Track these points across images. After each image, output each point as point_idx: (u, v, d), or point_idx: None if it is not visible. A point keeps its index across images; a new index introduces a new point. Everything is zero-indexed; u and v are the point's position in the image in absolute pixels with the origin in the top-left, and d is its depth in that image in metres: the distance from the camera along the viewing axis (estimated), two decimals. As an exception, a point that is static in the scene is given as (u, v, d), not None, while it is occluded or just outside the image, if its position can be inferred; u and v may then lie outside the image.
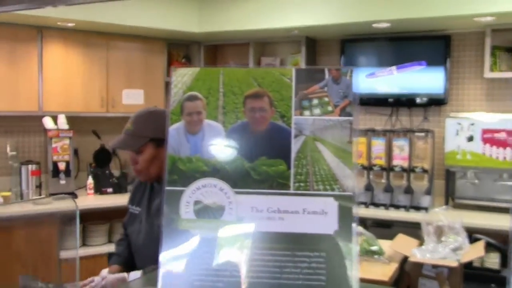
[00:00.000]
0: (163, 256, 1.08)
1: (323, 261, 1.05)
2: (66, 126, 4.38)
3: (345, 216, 1.06)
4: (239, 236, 1.09)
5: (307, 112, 1.11)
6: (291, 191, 1.09)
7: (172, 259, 1.08)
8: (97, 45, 4.55)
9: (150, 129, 2.01)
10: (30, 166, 4.27)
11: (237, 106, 1.12)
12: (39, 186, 4.30)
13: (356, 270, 1.04)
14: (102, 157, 4.64)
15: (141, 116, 2.06)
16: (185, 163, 1.12)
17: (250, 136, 1.11)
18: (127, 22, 4.25)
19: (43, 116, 4.36)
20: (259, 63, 4.90)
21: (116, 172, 4.72)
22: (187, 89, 1.13)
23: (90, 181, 4.49)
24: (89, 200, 4.39)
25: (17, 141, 4.50)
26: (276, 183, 1.09)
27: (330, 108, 1.10)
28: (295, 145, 1.09)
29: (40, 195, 4.30)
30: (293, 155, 1.09)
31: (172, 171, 1.12)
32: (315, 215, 1.07)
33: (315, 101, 1.10)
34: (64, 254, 4.15)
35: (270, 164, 1.09)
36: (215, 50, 5.26)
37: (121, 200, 3.92)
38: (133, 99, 4.68)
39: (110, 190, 4.54)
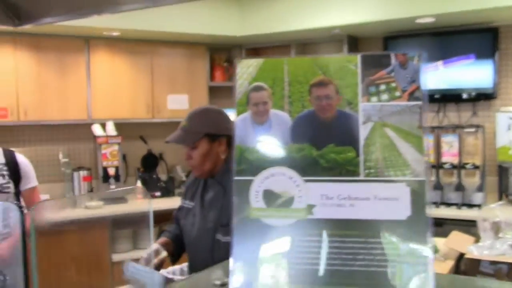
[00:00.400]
0: (234, 246, 1.10)
1: (396, 247, 1.04)
2: (114, 133, 4.49)
3: (417, 201, 1.05)
4: (310, 224, 1.09)
5: (374, 98, 1.10)
6: (361, 177, 1.08)
7: (244, 248, 1.09)
8: (142, 52, 4.66)
9: (205, 125, 2.09)
10: (81, 172, 4.41)
11: (303, 95, 1.13)
12: (90, 191, 4.43)
13: (430, 254, 1.02)
14: (150, 162, 4.73)
15: (196, 113, 2.15)
16: (253, 153, 1.13)
17: (317, 124, 1.11)
18: (170, 29, 4.33)
19: (92, 124, 4.49)
20: (301, 64, 4.89)
21: (163, 176, 4.81)
22: (252, 79, 1.15)
23: (139, 185, 4.59)
24: (138, 204, 4.48)
25: (69, 148, 4.65)
26: (345, 170, 1.08)
27: (398, 94, 1.09)
28: (363, 132, 1.09)
29: (91, 200, 4.42)
30: (361, 141, 1.09)
31: (241, 161, 1.13)
32: (386, 201, 1.06)
33: (382, 87, 1.09)
34: (116, 257, 4.25)
35: (339, 151, 1.09)
36: (256, 53, 5.29)
37: (169, 203, 3.98)
38: (177, 104, 4.76)
39: (158, 193, 4.62)
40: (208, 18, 4.50)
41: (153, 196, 4.62)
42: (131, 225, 4.39)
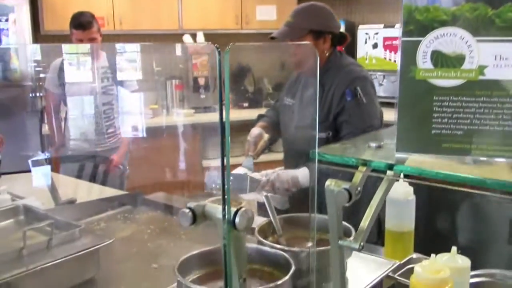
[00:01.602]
0: (399, 108, 1.10)
1: None
2: (204, 43, 4.55)
3: None
4: (480, 85, 1.08)
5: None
6: (541, 37, 1.04)
7: (409, 109, 1.10)
8: (232, -39, 4.58)
9: (310, 21, 2.09)
10: (173, 81, 4.53)
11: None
12: (182, 100, 4.58)
13: None
14: (238, 73, 4.78)
15: (302, 9, 2.14)
16: (422, 13, 1.11)
17: (494, -18, 1.07)
18: None
19: (183, 34, 4.55)
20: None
21: (250, 88, 4.86)
22: None
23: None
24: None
25: (161, 57, 4.77)
26: (523, 30, 1.04)
27: None
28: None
29: (183, 108, 4.59)
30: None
31: (408, 22, 1.12)
32: None
33: None
34: (206, 163, 4.45)
35: (517, 10, 1.04)
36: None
37: (256, 114, 4.05)
38: (266, 15, 4.71)
39: (246, 104, 4.70)
40: None
41: (241, 107, 4.71)
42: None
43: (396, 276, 1.35)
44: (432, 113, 1.10)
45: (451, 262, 1.12)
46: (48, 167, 2.08)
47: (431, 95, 1.11)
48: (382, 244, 1.59)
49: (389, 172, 0.74)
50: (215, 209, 0.67)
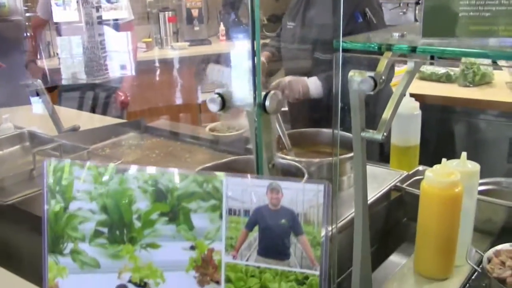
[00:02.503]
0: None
1: None
2: (196, -28, 4.39)
3: None
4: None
5: None
6: None
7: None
8: None
9: None
10: (166, 14, 4.41)
11: None
12: (176, 33, 4.47)
13: None
14: (231, 4, 4.66)
15: None
16: None
17: None
18: None
19: (173, -37, 4.39)
20: None
21: (244, 20, 4.76)
22: None
23: (222, 28, 4.58)
24: (222, 46, 4.52)
25: (152, -12, 4.61)
26: None
27: None
28: None
29: (177, 41, 4.49)
30: None
31: None
32: None
33: None
34: (203, 97, 4.42)
35: None
36: None
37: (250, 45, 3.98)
38: None
39: (240, 36, 4.61)
40: None
41: (236, 39, 4.63)
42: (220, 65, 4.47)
43: (404, 186, 1.38)
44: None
45: (461, 167, 1.14)
46: (47, 96, 2.05)
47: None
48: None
49: (409, 65, 0.73)
50: (245, 93, 0.66)
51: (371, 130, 0.71)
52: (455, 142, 2.52)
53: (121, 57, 3.15)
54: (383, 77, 0.66)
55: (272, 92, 0.65)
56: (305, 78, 2.00)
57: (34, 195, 1.33)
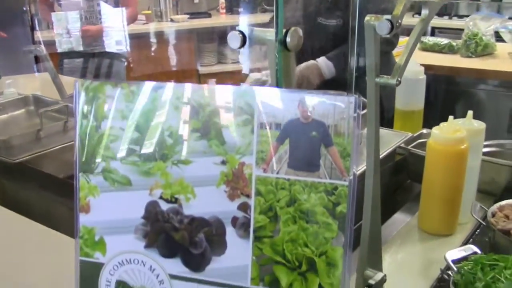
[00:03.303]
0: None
1: None
2: None
3: None
4: None
5: None
6: None
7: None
8: None
9: None
10: (166, -16, 4.37)
11: None
12: (175, 5, 4.44)
13: None
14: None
15: None
16: None
17: None
18: None
19: None
20: None
21: (245, -8, 4.72)
22: None
23: (222, 0, 4.54)
24: (222, 19, 4.49)
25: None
26: None
27: None
28: None
29: (177, 13, 4.45)
30: None
31: None
32: None
33: None
34: (202, 70, 4.41)
35: None
36: None
37: (252, 19, 3.97)
38: None
39: (240, 9, 4.58)
40: None
41: (235, 12, 4.60)
42: (215, 40, 4.46)
43: (409, 147, 1.39)
44: None
45: (467, 125, 1.15)
46: (50, 62, 2.04)
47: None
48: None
49: (423, 12, 0.74)
50: (265, 30, 0.67)
51: (385, 76, 0.72)
52: (456, 110, 2.54)
53: (119, 26, 3.12)
54: (399, 21, 0.67)
55: (292, 29, 0.65)
56: (314, 62, 1.96)
57: (42, 153, 1.34)
